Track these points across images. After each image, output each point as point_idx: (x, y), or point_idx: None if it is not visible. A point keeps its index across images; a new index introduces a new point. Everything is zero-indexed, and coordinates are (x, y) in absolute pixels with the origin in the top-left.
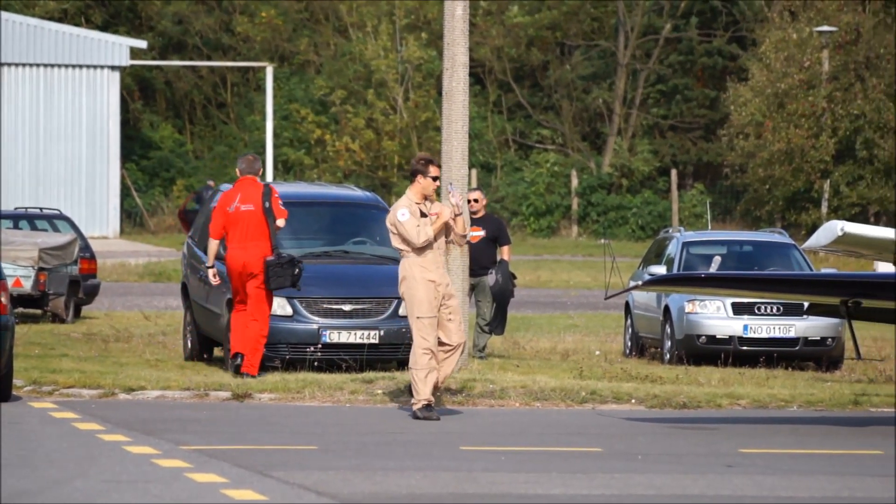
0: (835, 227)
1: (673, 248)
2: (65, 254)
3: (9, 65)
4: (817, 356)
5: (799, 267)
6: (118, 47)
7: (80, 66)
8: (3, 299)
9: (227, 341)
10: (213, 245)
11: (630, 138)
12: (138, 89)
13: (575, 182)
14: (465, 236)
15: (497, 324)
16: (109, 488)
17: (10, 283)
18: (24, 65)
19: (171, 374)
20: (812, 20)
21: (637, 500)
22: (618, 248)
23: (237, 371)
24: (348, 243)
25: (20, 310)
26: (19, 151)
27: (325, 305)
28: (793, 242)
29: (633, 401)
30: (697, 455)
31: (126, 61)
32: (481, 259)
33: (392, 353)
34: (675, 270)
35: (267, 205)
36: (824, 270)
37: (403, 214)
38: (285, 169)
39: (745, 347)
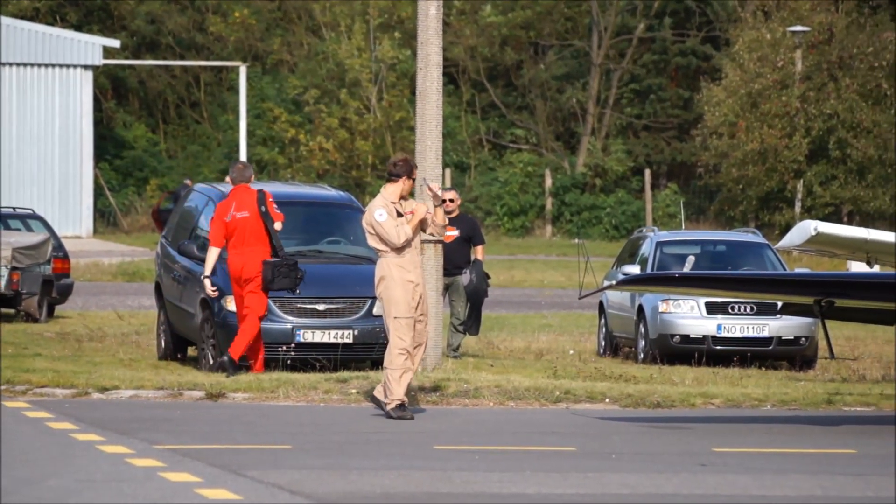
0: (808, 227)
1: (647, 248)
2: (38, 253)
3: None
4: (791, 355)
5: (772, 266)
6: (91, 46)
7: (53, 66)
8: None
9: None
10: (214, 254)
11: (604, 138)
12: (111, 89)
13: (549, 182)
14: (444, 226)
15: (472, 323)
16: (83, 487)
17: None
18: None
19: (145, 373)
20: (785, 20)
21: (611, 499)
22: (592, 248)
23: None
24: (322, 243)
25: None
26: None
27: (298, 305)
28: (766, 242)
29: (607, 400)
30: (671, 454)
31: (99, 60)
32: (455, 259)
33: (366, 352)
34: (648, 270)
35: (263, 209)
36: (798, 270)
37: (381, 215)
38: (259, 168)
39: (718, 347)
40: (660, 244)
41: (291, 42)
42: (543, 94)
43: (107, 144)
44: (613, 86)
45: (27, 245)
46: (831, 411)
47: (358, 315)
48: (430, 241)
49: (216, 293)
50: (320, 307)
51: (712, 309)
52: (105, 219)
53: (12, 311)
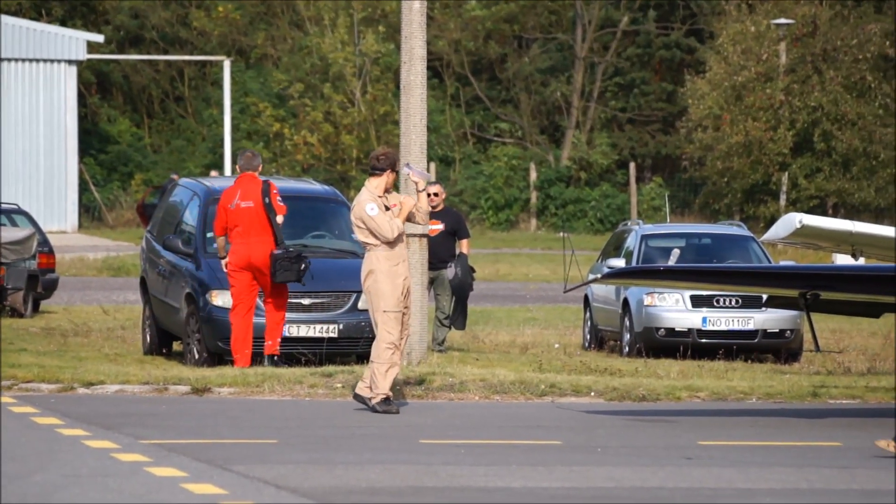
0: (793, 220)
1: (632, 241)
2: (23, 248)
3: None
4: (776, 348)
5: (758, 259)
6: (75, 41)
7: (37, 61)
8: None
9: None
10: (220, 241)
11: (588, 131)
12: (96, 83)
13: (533, 175)
14: (428, 211)
15: (457, 317)
16: (69, 482)
17: None
18: None
19: (131, 368)
20: (769, 13)
21: (597, 492)
22: (576, 242)
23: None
24: (307, 237)
25: None
26: None
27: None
28: (751, 235)
29: (593, 394)
30: (657, 447)
31: (83, 55)
32: (440, 252)
33: (351, 346)
34: (633, 263)
35: (266, 200)
36: (783, 263)
37: (373, 209)
38: None
39: (703, 340)
40: (645, 237)
41: (275, 36)
42: (528, 88)
43: (91, 139)
44: (598, 79)
45: (12, 240)
46: (816, 404)
47: (343, 309)
48: (415, 235)
49: (229, 268)
50: (305, 301)
51: (697, 302)
52: (90, 214)
53: None
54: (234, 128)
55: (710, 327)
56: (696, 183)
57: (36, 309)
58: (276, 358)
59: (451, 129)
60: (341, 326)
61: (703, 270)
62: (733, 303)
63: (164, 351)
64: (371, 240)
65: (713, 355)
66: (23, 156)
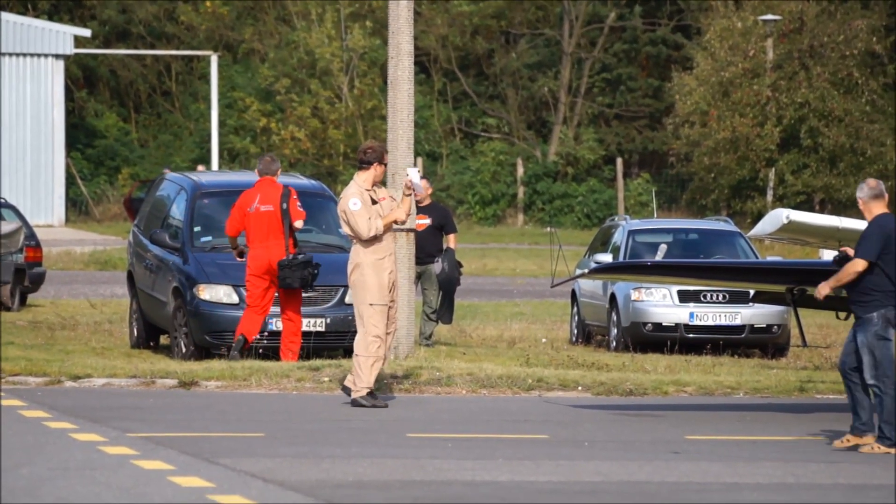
0: (780, 215)
1: (619, 237)
2: (10, 242)
3: None
4: (763, 343)
5: (744, 255)
6: (62, 35)
7: (24, 55)
8: None
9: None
10: (232, 241)
11: (575, 127)
12: (83, 78)
13: (521, 170)
14: (408, 214)
15: (444, 311)
16: (56, 475)
17: None
18: None
19: (118, 361)
20: (756, 9)
21: (584, 486)
22: (564, 237)
23: (240, 351)
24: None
25: None
26: None
27: None
28: (738, 230)
29: (580, 388)
30: (644, 442)
31: (70, 50)
32: (427, 247)
33: (338, 340)
34: (621, 258)
35: (284, 206)
36: (770, 258)
37: (355, 204)
38: (231, 157)
39: (691, 335)
40: (632, 232)
41: (262, 31)
42: (515, 83)
43: (78, 133)
44: (585, 75)
45: None
46: (804, 399)
47: (330, 303)
48: (402, 230)
49: (243, 258)
50: None
51: (684, 297)
52: (77, 208)
53: None
54: (221, 123)
55: (697, 322)
56: (683, 178)
57: (23, 302)
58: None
59: (438, 124)
60: (328, 320)
61: (690, 266)
62: (720, 298)
63: (151, 344)
64: (353, 233)
65: (700, 350)
66: (9, 150)
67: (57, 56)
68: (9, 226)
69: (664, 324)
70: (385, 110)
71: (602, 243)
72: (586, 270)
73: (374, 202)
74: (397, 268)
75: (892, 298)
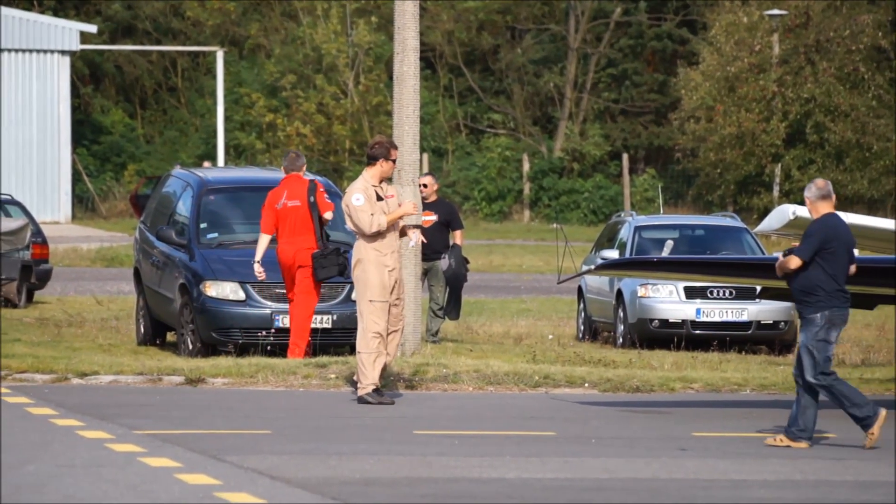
0: (786, 211)
1: (625, 233)
2: (16, 239)
3: None
4: (770, 340)
5: (751, 251)
6: (68, 32)
7: (30, 51)
8: None
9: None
10: (264, 240)
11: (581, 122)
12: (89, 74)
13: (526, 166)
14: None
15: (451, 308)
16: (63, 473)
17: None
18: None
19: (124, 358)
20: (762, 4)
21: (591, 483)
22: (570, 233)
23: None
24: None
25: None
26: None
27: (277, 290)
28: (744, 226)
29: (587, 385)
30: (651, 438)
31: (76, 46)
32: (434, 243)
33: (345, 337)
34: (627, 255)
35: (312, 199)
36: (776, 254)
37: (358, 199)
38: (237, 153)
39: (697, 331)
40: (638, 228)
41: (268, 27)
42: (520, 79)
43: (84, 130)
44: (590, 70)
45: (5, 230)
46: None
47: (336, 300)
48: (408, 226)
49: (263, 275)
50: None
51: (691, 293)
52: (83, 204)
53: None
54: (227, 118)
55: (703, 318)
56: (689, 174)
57: (30, 299)
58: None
59: (443, 120)
60: (335, 317)
61: (696, 262)
62: (727, 294)
63: (157, 341)
64: (357, 229)
65: (707, 346)
66: (16, 146)
67: (63, 52)
68: (15, 222)
69: (671, 320)
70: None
71: (608, 239)
72: (592, 267)
73: (379, 198)
74: (402, 265)
75: (836, 299)
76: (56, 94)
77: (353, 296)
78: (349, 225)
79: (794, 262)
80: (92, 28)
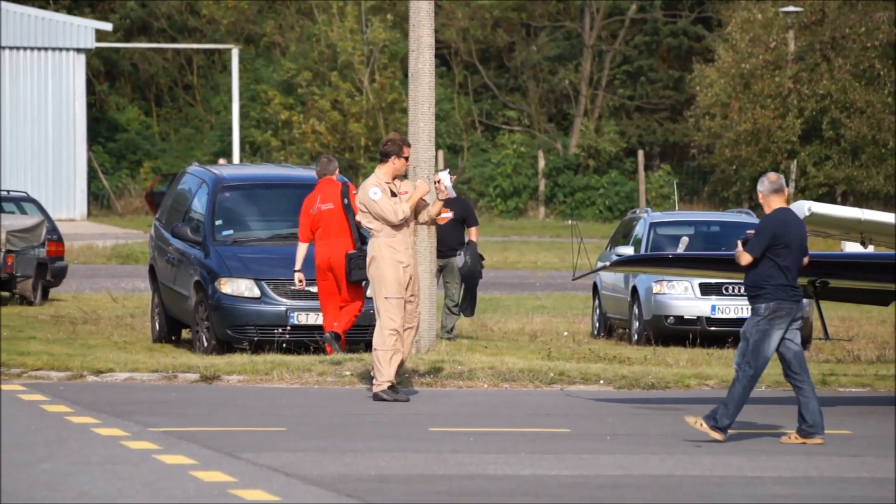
0: (802, 207)
1: (640, 229)
2: (32, 236)
3: None
4: None
5: None
6: (84, 30)
7: (46, 49)
8: None
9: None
10: (302, 249)
11: (596, 119)
12: (104, 72)
13: (542, 163)
14: (435, 218)
15: (467, 305)
16: (78, 470)
17: None
18: None
19: (140, 356)
20: (777, 1)
21: (605, 480)
22: (585, 229)
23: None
24: None
25: None
26: None
27: (292, 287)
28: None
29: (602, 381)
30: (665, 435)
31: (92, 44)
32: (449, 240)
33: (360, 334)
34: (642, 251)
35: (346, 201)
36: None
37: (375, 193)
38: (252, 150)
39: (712, 328)
40: (653, 225)
41: (283, 25)
42: (536, 76)
43: (100, 127)
44: (605, 67)
45: (21, 228)
46: (826, 392)
47: None
48: (423, 223)
49: (303, 285)
50: (314, 289)
51: (706, 290)
52: (99, 202)
53: (7, 294)
54: (243, 116)
55: (718, 315)
56: (705, 171)
57: (45, 297)
58: (335, 336)
59: (459, 117)
60: None
61: (711, 258)
62: (742, 291)
63: (172, 338)
64: (374, 225)
65: (722, 343)
66: (32, 144)
67: (78, 50)
68: (31, 220)
69: (686, 317)
70: (406, 103)
71: (623, 236)
72: (608, 263)
73: (393, 195)
74: (418, 261)
75: (782, 292)
76: (72, 91)
77: (369, 293)
78: (363, 222)
79: (745, 258)
80: (107, 26)
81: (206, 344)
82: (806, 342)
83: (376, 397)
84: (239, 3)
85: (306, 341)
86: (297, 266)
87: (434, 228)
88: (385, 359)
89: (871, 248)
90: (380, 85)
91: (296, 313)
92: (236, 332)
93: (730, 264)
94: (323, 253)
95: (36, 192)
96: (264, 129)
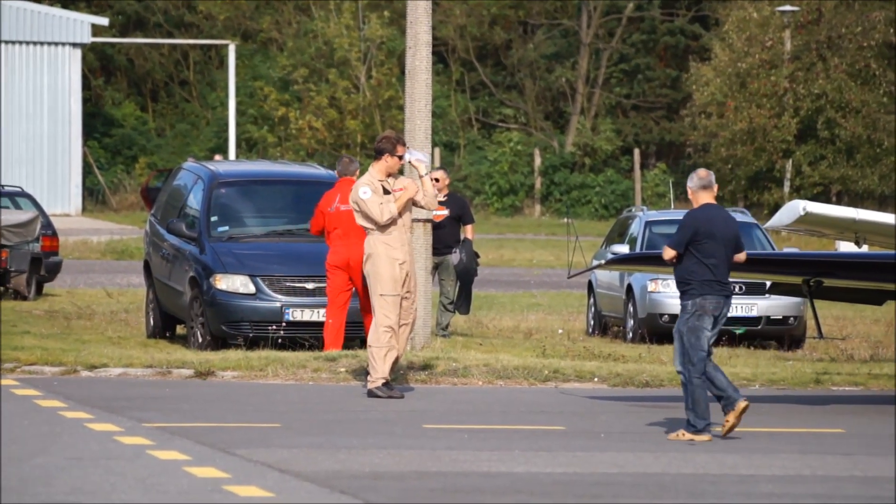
0: (797, 207)
1: (636, 227)
2: (26, 231)
3: None
4: (779, 335)
5: (761, 246)
6: (79, 24)
7: (42, 44)
8: None
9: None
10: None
11: (593, 117)
12: (100, 67)
13: (538, 161)
14: (435, 196)
15: (462, 303)
16: (71, 465)
17: None
18: None
19: (134, 351)
20: (774, 0)
21: (600, 478)
22: (581, 227)
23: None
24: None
25: None
26: None
27: (287, 284)
28: (755, 222)
29: (596, 379)
30: (660, 433)
31: (87, 38)
32: (445, 238)
33: (355, 331)
34: (637, 249)
35: None
36: (786, 250)
37: (365, 192)
38: (248, 147)
39: None
40: (649, 223)
41: (280, 20)
42: (532, 74)
43: (95, 122)
44: (602, 65)
45: (16, 223)
46: (820, 391)
47: None
48: (419, 220)
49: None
50: (309, 286)
51: None
52: (94, 197)
53: (1, 288)
54: (239, 112)
55: None
56: None
57: (39, 292)
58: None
59: (455, 114)
60: None
61: None
62: (736, 289)
63: (167, 334)
64: (367, 224)
65: (717, 342)
66: (27, 139)
67: (74, 45)
68: (26, 215)
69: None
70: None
71: (619, 234)
72: (603, 261)
73: (386, 192)
74: (413, 258)
75: (708, 287)
76: (67, 86)
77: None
78: (359, 220)
79: (667, 253)
80: (103, 21)
81: (200, 340)
82: (800, 341)
83: (371, 394)
84: None
85: (301, 338)
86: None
87: (430, 226)
88: (380, 355)
89: (865, 248)
90: (376, 82)
91: (291, 310)
92: (231, 328)
93: None
94: (342, 253)
95: (31, 187)
96: (260, 126)
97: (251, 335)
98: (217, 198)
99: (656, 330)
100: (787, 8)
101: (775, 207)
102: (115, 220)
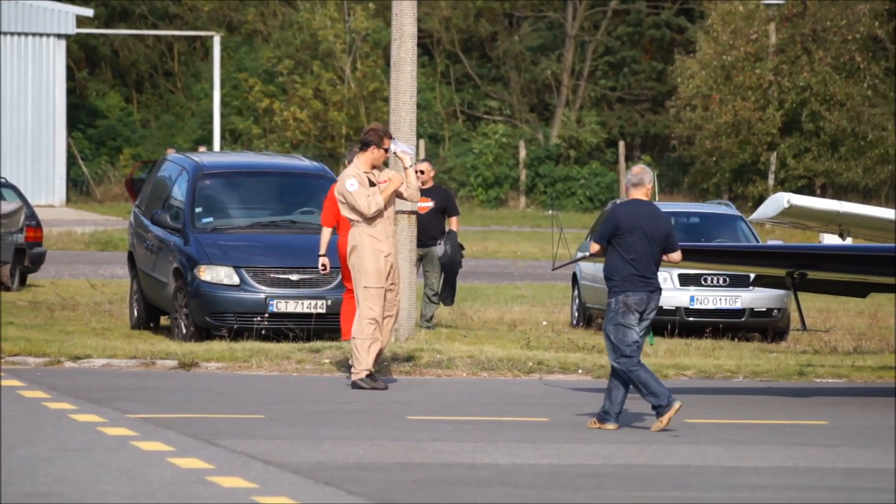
0: (781, 200)
1: None
2: (10, 222)
3: None
4: (763, 327)
5: (745, 239)
6: (64, 15)
7: (26, 35)
8: None
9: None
10: (326, 234)
11: (578, 110)
12: (84, 58)
13: (523, 153)
14: (418, 188)
15: (447, 294)
16: (55, 456)
17: None
18: None
19: (118, 342)
20: None
21: (583, 469)
22: (565, 220)
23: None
24: (296, 213)
25: None
26: None
27: (272, 275)
28: (739, 214)
29: (580, 371)
30: (643, 425)
31: (72, 29)
32: (429, 229)
33: (339, 322)
34: None
35: None
36: (770, 242)
37: (352, 185)
38: (233, 138)
39: (691, 318)
40: None
41: (265, 12)
42: (518, 66)
43: (80, 114)
44: (588, 58)
45: None
46: (803, 383)
47: (331, 285)
48: (404, 212)
49: (326, 270)
50: (294, 277)
51: (685, 280)
52: (78, 188)
53: None
54: (224, 103)
55: (697, 306)
56: (685, 162)
57: (23, 282)
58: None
59: (440, 106)
60: (329, 302)
61: (691, 249)
62: (721, 282)
63: (151, 325)
64: (354, 216)
65: (700, 334)
66: (11, 130)
67: (59, 36)
68: (9, 206)
69: (664, 307)
70: (387, 92)
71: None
72: (587, 253)
73: (372, 184)
74: (398, 250)
75: (629, 283)
76: (52, 77)
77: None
78: (344, 212)
79: (593, 247)
80: (88, 12)
81: (184, 331)
82: (784, 334)
83: (355, 385)
84: None
85: (285, 329)
86: (322, 251)
87: (414, 217)
88: (363, 347)
89: (849, 241)
90: (361, 73)
91: (275, 301)
92: (215, 319)
93: (708, 255)
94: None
95: (14, 177)
96: (245, 117)
97: (235, 326)
98: (202, 189)
99: None
100: (772, 1)
101: (760, 200)
102: (100, 211)
